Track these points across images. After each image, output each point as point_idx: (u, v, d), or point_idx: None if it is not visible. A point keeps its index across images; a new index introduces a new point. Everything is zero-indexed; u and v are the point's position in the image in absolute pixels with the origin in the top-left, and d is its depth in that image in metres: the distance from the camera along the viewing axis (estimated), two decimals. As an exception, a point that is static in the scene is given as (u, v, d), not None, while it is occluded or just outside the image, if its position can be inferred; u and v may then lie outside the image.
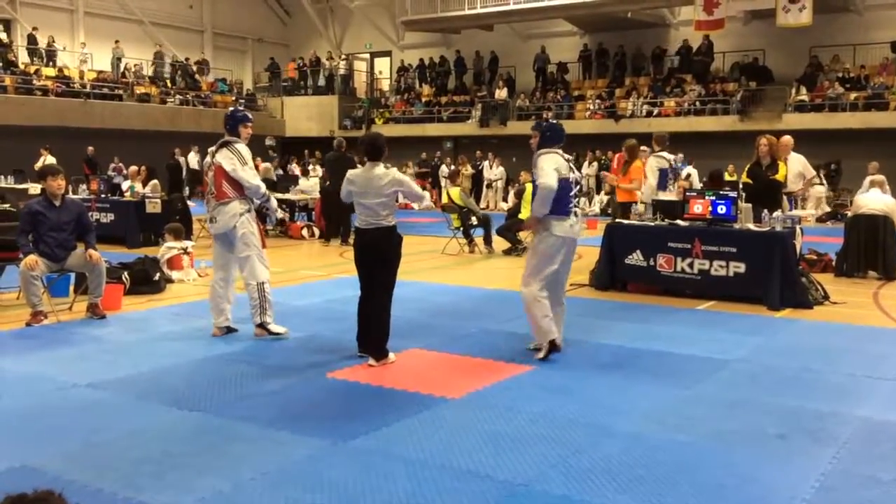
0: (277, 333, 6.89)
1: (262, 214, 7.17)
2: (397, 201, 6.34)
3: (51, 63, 27.04)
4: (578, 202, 6.35)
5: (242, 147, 6.94)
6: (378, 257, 6.13)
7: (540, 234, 6.26)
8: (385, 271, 6.15)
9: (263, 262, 6.96)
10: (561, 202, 6.18)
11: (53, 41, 27.42)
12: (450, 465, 4.11)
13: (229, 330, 7.11)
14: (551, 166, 6.15)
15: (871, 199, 10.78)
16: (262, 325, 6.90)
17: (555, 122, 6.72)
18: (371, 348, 6.14)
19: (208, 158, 7.07)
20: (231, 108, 7.39)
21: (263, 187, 6.93)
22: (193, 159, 23.49)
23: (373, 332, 6.14)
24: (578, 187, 6.36)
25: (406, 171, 23.91)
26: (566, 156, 6.36)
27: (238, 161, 6.82)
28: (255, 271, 6.86)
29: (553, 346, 6.22)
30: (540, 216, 6.24)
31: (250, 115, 7.29)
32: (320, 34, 33.92)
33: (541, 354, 6.22)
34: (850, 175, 21.08)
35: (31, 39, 26.91)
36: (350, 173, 6.32)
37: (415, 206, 6.72)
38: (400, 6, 29.24)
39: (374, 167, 6.17)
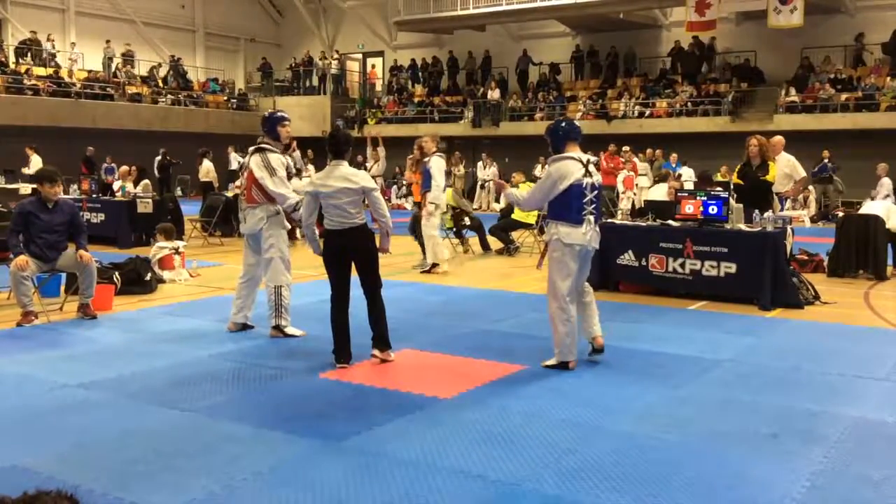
0: (292, 335, 6.94)
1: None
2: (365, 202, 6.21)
3: (41, 61, 26.90)
4: (596, 208, 5.93)
5: (274, 156, 6.92)
6: (359, 257, 6.07)
7: (553, 244, 5.92)
8: (370, 269, 6.09)
9: (285, 267, 6.98)
10: (572, 208, 5.79)
11: (52, 40, 27.35)
12: (442, 465, 4.11)
13: (245, 327, 7.18)
14: (554, 177, 5.79)
15: (870, 207, 10.98)
16: (276, 327, 6.96)
17: (564, 120, 6.27)
18: (381, 342, 6.13)
19: (245, 159, 7.19)
20: (268, 111, 7.45)
21: (293, 198, 6.84)
22: (234, 159, 23.26)
23: (378, 328, 6.12)
24: (595, 192, 5.91)
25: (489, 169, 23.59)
26: (585, 157, 5.92)
27: (267, 171, 6.84)
28: (274, 274, 6.92)
29: (564, 367, 5.97)
30: (513, 198, 6.48)
31: (287, 115, 7.30)
32: (313, 34, 33.90)
33: (550, 362, 6.02)
34: (841, 176, 21.18)
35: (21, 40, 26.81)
36: (313, 177, 6.19)
37: (376, 221, 6.23)
38: (392, 6, 29.22)
39: (338, 165, 6.07)
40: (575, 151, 5.94)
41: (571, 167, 5.84)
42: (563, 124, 6.12)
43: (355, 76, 33.90)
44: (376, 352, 6.14)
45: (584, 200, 5.84)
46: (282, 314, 6.94)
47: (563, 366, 5.98)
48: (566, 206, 5.83)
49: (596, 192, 5.92)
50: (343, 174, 6.03)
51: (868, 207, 11.03)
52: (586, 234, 5.88)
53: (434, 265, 10.92)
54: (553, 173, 5.89)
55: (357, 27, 32.70)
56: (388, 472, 4.01)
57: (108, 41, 28.69)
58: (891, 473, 4.04)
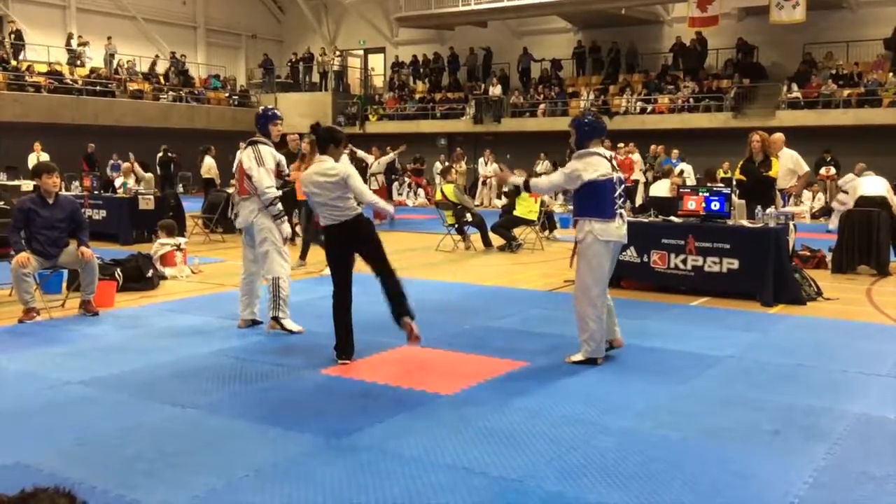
0: (290, 330, 6.94)
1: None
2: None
3: (75, 60, 26.83)
4: (624, 203, 6.02)
5: (265, 148, 7.00)
6: (362, 247, 6.02)
7: (587, 241, 5.88)
8: (377, 256, 6.00)
9: (282, 258, 7.00)
10: (606, 203, 5.81)
11: (72, 37, 27.44)
12: (444, 461, 4.11)
13: (254, 323, 7.21)
14: (579, 170, 5.82)
15: (871, 183, 10.86)
16: (274, 319, 6.97)
17: (592, 115, 6.31)
18: (405, 313, 5.99)
19: (238, 154, 7.25)
20: (262, 108, 7.53)
21: (271, 192, 6.88)
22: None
23: (400, 306, 5.99)
24: (623, 186, 5.99)
25: (539, 164, 23.39)
26: (607, 153, 6.01)
27: (255, 161, 6.89)
28: (271, 267, 6.94)
29: (593, 363, 5.97)
30: (530, 185, 6.34)
31: (279, 114, 7.36)
32: (314, 30, 33.87)
33: (577, 358, 6.00)
34: (843, 172, 21.17)
35: (19, 35, 26.80)
36: (302, 176, 6.15)
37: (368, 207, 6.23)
38: (394, 2, 29.21)
39: (322, 161, 6.02)
40: (599, 148, 5.98)
41: (597, 163, 5.86)
42: (589, 120, 6.12)
43: (356, 72, 33.88)
44: (407, 319, 5.98)
45: (615, 195, 5.89)
46: (279, 306, 6.93)
47: (591, 362, 5.97)
48: (601, 201, 5.83)
49: (623, 186, 6.01)
50: (322, 169, 5.95)
51: (867, 184, 10.94)
52: (619, 229, 5.91)
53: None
54: (579, 167, 5.87)
55: (358, 23, 32.66)
56: (389, 468, 4.00)
57: (109, 38, 28.68)
58: (893, 470, 4.03)
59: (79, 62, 27.33)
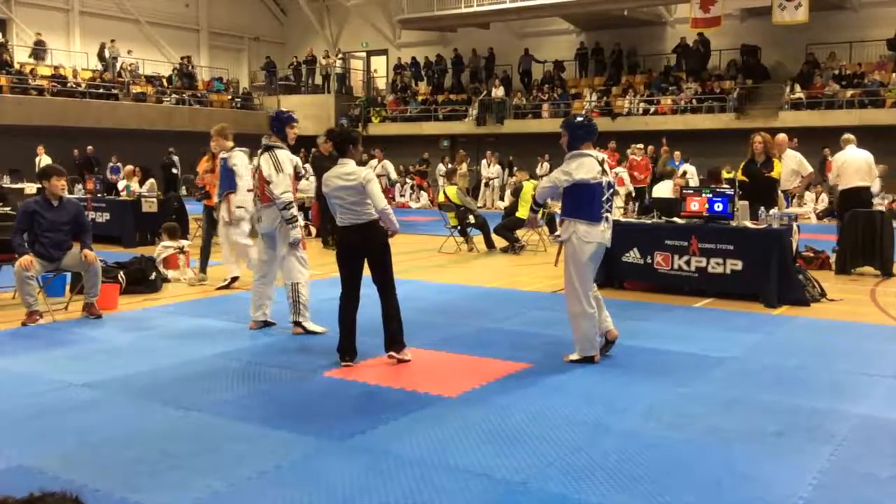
0: (314, 332, 6.99)
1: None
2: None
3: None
4: (611, 206, 6.06)
5: (282, 153, 7.00)
6: (370, 253, 6.03)
7: (572, 243, 5.94)
8: (382, 266, 6.05)
9: (302, 264, 7.04)
10: (593, 206, 5.87)
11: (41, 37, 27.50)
12: (447, 463, 4.10)
13: (266, 324, 7.26)
14: (573, 168, 5.85)
15: (856, 160, 10.86)
16: (297, 324, 7.03)
17: (584, 116, 6.36)
18: (394, 343, 6.06)
19: (255, 161, 7.24)
20: (276, 111, 7.47)
21: (286, 197, 6.86)
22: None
23: (392, 327, 6.05)
24: (611, 190, 6.05)
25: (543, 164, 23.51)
26: (599, 155, 6.04)
27: (274, 168, 6.89)
28: (291, 272, 6.99)
29: (590, 361, 6.02)
30: (539, 200, 6.30)
31: (295, 116, 7.34)
32: (316, 33, 33.87)
33: (573, 357, 6.06)
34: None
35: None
36: (324, 176, 6.19)
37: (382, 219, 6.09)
38: (396, 5, 29.18)
39: (344, 164, 6.06)
40: (590, 150, 6.00)
41: (589, 165, 5.89)
42: (581, 121, 6.17)
43: (359, 75, 33.90)
44: (392, 353, 6.08)
45: (603, 199, 5.93)
46: (300, 310, 7.01)
47: (587, 360, 6.02)
48: (588, 204, 5.88)
49: (611, 190, 6.06)
50: (341, 173, 6.02)
51: (849, 166, 10.95)
52: (604, 233, 5.96)
53: (235, 278, 9.38)
54: (570, 168, 5.90)
55: (361, 25, 32.67)
56: (392, 470, 4.00)
57: (112, 40, 28.71)
58: (898, 471, 4.02)
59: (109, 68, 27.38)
